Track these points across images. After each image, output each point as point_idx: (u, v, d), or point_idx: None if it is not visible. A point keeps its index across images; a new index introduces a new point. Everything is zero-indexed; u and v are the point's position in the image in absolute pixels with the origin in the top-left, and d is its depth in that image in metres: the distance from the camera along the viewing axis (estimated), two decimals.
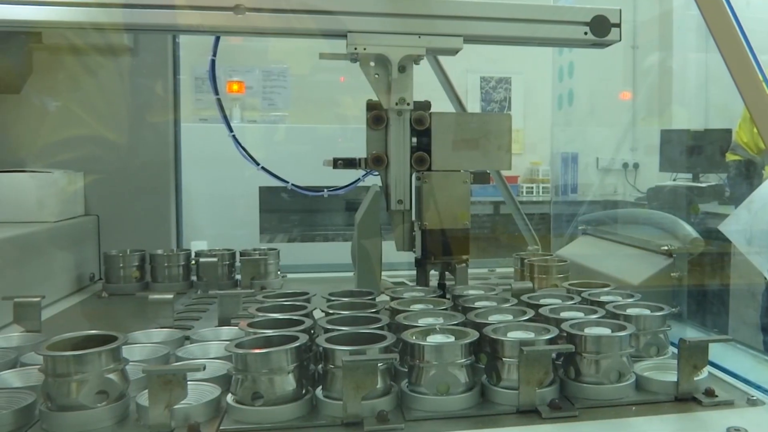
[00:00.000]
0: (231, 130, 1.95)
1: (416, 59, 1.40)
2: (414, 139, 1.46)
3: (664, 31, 4.62)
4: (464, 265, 1.47)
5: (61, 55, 1.94)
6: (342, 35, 1.36)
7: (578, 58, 4.80)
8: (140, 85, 2.03)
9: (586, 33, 1.43)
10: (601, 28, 1.44)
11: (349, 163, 1.50)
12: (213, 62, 1.83)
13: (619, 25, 1.45)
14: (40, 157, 1.92)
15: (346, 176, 3.44)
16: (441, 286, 1.50)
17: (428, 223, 1.44)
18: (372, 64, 1.40)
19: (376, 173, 1.51)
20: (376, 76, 1.40)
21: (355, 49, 1.34)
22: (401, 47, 1.36)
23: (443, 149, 1.46)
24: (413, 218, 1.47)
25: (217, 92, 1.96)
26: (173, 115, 2.12)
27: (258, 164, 1.96)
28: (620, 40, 1.45)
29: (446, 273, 1.52)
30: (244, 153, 1.93)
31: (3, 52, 1.82)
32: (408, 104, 1.41)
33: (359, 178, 2.01)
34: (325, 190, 2.07)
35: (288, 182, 2.04)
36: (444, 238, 1.45)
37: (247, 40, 4.55)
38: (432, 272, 1.54)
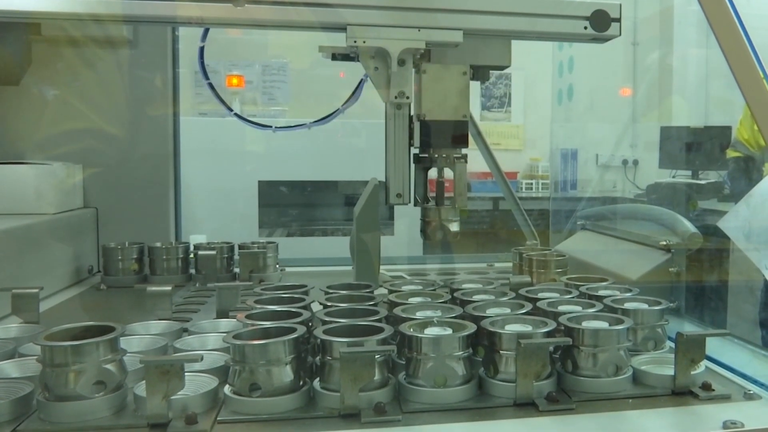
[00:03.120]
0: (230, 110, 1.93)
1: (416, 53, 1.39)
2: None
3: (664, 28, 4.61)
4: (463, 161, 1.46)
5: (61, 46, 1.93)
6: (341, 28, 1.35)
7: (578, 54, 4.79)
8: (139, 78, 2.03)
9: (586, 27, 1.42)
10: (601, 23, 1.43)
11: (347, 57, 1.47)
12: (202, 49, 1.82)
13: (619, 20, 1.44)
14: (39, 149, 1.92)
15: (346, 171, 3.44)
16: (439, 185, 1.49)
17: (427, 114, 1.42)
18: (371, 57, 1.38)
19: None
20: (376, 69, 1.39)
21: (355, 42, 1.33)
22: (401, 40, 1.35)
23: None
24: (412, 112, 1.45)
25: (207, 76, 1.94)
26: (172, 109, 2.12)
27: (271, 127, 1.93)
28: (620, 35, 1.44)
29: (444, 170, 1.50)
30: (252, 124, 1.90)
31: (2, 44, 1.82)
32: (407, 98, 1.40)
33: (338, 109, 1.96)
34: (308, 122, 1.98)
35: (306, 123, 2.00)
36: (443, 129, 1.43)
37: (246, 34, 4.54)
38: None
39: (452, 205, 1.49)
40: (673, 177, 4.55)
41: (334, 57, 1.47)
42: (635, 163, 5.50)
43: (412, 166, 1.49)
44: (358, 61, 1.41)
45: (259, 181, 3.29)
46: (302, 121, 2.03)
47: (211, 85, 1.95)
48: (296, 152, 3.35)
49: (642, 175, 5.35)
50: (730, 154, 3.70)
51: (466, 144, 1.45)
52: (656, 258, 1.64)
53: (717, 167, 4.19)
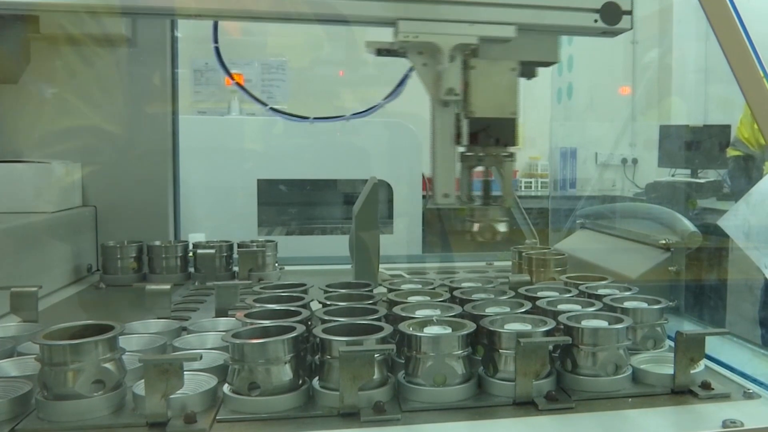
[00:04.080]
0: (265, 105, 1.89)
1: (466, 48, 1.32)
2: None
3: (664, 26, 4.61)
4: (511, 160, 1.41)
5: (59, 44, 1.93)
6: (390, 23, 1.28)
7: (578, 52, 4.79)
8: (138, 76, 2.02)
9: (596, 20, 1.39)
10: (611, 16, 1.38)
11: (393, 53, 1.39)
12: (217, 49, 1.79)
13: (630, 13, 1.39)
14: (38, 147, 1.92)
15: (345, 171, 3.44)
16: (486, 184, 1.45)
17: (475, 111, 1.37)
18: (420, 53, 1.31)
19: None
20: (424, 65, 1.32)
21: (405, 37, 1.27)
22: (452, 35, 1.28)
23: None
24: (456, 110, 1.38)
25: (230, 75, 1.90)
26: (171, 107, 2.11)
27: (308, 118, 1.87)
28: (632, 28, 1.38)
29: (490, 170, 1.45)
30: (289, 116, 1.85)
31: (0, 42, 1.82)
32: (457, 95, 1.33)
33: (380, 103, 1.89)
34: (348, 114, 1.94)
35: (345, 116, 1.93)
36: (492, 127, 1.38)
37: (246, 33, 4.53)
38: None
39: (500, 204, 1.44)
40: (673, 176, 4.55)
41: (379, 53, 1.41)
42: (634, 161, 5.51)
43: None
44: (405, 56, 1.36)
45: (258, 180, 3.29)
46: (340, 114, 1.96)
47: (237, 83, 1.90)
48: (295, 151, 3.35)
49: (641, 174, 5.36)
50: (731, 152, 3.71)
51: (515, 142, 1.41)
52: (656, 257, 1.64)
53: (716, 166, 4.20)
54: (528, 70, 1.44)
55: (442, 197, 1.35)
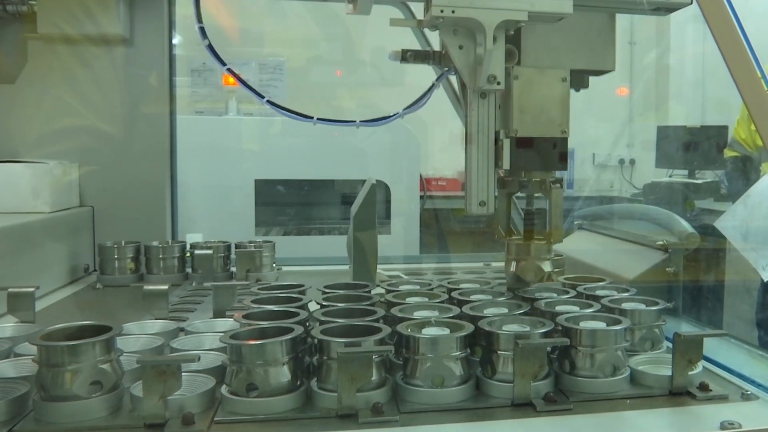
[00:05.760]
0: (262, 97, 1.79)
1: (514, 26, 1.14)
2: None
3: (661, 27, 4.62)
4: (559, 186, 1.24)
5: (56, 44, 1.93)
6: None
7: None
8: (136, 76, 2.02)
9: None
10: None
11: (421, 56, 1.25)
12: (210, 46, 1.76)
13: None
14: (35, 147, 1.91)
15: (343, 171, 3.44)
16: (528, 214, 1.29)
17: (519, 129, 1.19)
18: (454, 33, 1.12)
19: (450, 71, 1.28)
20: (460, 48, 1.13)
21: (441, 11, 1.06)
22: (497, 10, 1.08)
23: (536, 41, 1.20)
24: (496, 127, 1.21)
25: (223, 63, 1.85)
26: (169, 107, 2.11)
27: (312, 118, 1.75)
28: (691, 2, 1.28)
29: (534, 198, 1.29)
30: (289, 113, 1.78)
31: None
32: (499, 83, 1.14)
33: (398, 113, 1.73)
34: (358, 120, 1.76)
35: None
36: (540, 148, 1.20)
37: (243, 33, 4.53)
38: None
39: (546, 240, 1.30)
40: (670, 176, 4.56)
41: (404, 57, 1.26)
42: (632, 162, 5.52)
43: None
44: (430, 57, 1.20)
45: (256, 180, 3.29)
46: (348, 119, 1.81)
47: (229, 70, 1.84)
48: (293, 151, 3.35)
49: (639, 175, 5.37)
50: (728, 153, 3.72)
51: (565, 166, 1.24)
52: (653, 258, 1.64)
53: (714, 167, 4.21)
54: (579, 79, 1.29)
55: (479, 206, 1.21)
